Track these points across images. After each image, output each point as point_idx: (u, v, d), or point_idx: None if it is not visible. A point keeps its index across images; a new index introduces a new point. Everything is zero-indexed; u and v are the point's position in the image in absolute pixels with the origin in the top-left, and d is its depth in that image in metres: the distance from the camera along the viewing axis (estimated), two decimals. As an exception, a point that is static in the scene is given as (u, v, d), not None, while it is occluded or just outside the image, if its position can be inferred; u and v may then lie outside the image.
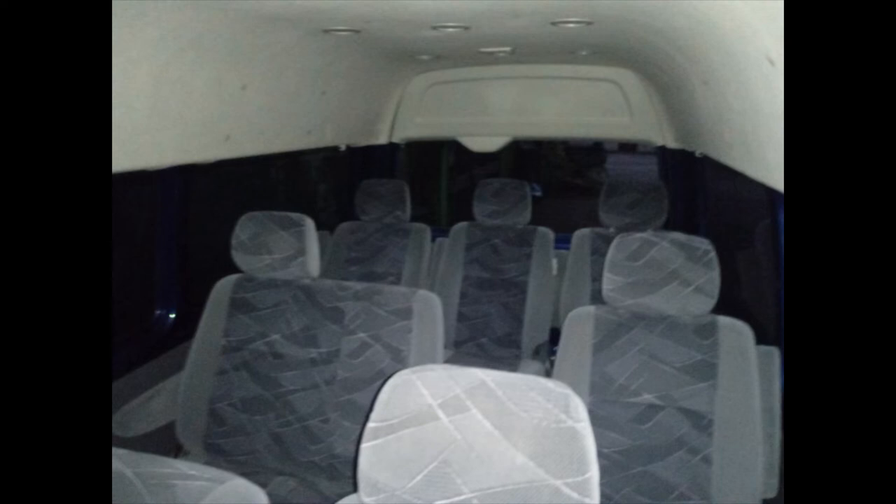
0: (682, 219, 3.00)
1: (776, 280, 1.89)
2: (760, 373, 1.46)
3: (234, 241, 1.74)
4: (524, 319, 2.68)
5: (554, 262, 2.74)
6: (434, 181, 7.02)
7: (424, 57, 2.56)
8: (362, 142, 3.18)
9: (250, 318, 1.75)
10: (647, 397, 1.48)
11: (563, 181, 11.20)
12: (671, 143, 3.01)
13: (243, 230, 1.74)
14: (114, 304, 0.96)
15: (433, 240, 2.99)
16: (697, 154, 2.66)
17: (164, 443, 1.91)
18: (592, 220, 2.79)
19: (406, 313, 1.65)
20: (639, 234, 1.54)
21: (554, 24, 1.78)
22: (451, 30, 1.85)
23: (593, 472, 0.75)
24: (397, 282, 2.84)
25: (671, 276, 1.48)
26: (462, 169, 8.02)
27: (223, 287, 1.79)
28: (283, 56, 1.87)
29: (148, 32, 1.33)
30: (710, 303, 1.48)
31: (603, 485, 1.12)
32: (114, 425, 1.92)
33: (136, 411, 1.99)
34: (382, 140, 3.30)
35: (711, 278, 1.47)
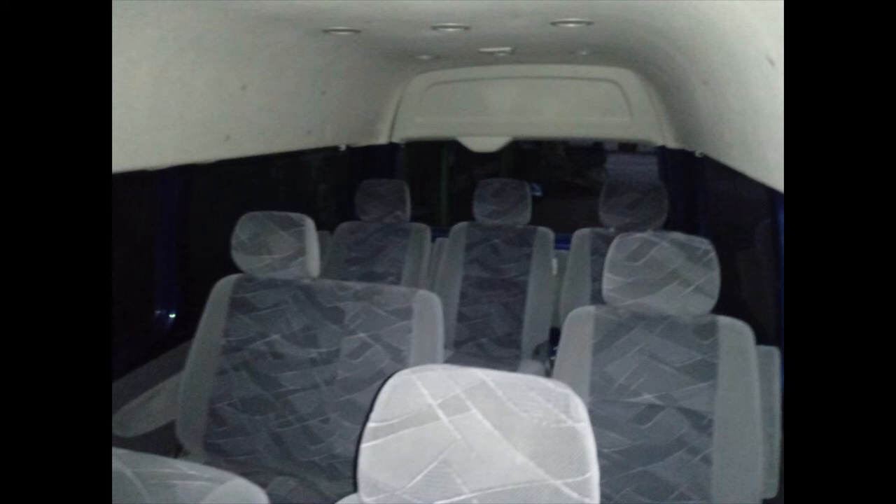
0: (682, 219, 3.00)
1: (776, 280, 1.88)
2: (760, 373, 1.46)
3: (234, 241, 1.74)
4: (524, 319, 2.68)
5: (554, 262, 2.74)
6: (434, 181, 7.02)
7: (424, 57, 2.56)
8: (362, 142, 3.18)
9: (250, 318, 1.75)
10: (647, 397, 1.48)
11: (563, 181, 11.20)
12: (671, 143, 3.01)
13: (243, 230, 1.74)
14: (114, 304, 0.96)
15: (433, 240, 2.99)
16: (697, 154, 2.66)
17: (164, 443, 1.91)
18: (592, 220, 2.79)
19: (406, 313, 1.65)
20: (639, 234, 1.54)
21: (554, 24, 1.78)
22: (451, 30, 1.85)
23: (593, 472, 0.75)
24: (397, 282, 2.83)
25: (671, 276, 1.48)
26: (462, 169, 8.02)
27: (223, 287, 1.80)
28: (283, 56, 1.87)
29: (148, 32, 1.33)
30: (710, 303, 1.48)
31: (603, 485, 1.12)
32: (114, 425, 1.92)
33: (136, 411, 1.99)
34: (382, 140, 3.30)
35: (711, 278, 1.47)
